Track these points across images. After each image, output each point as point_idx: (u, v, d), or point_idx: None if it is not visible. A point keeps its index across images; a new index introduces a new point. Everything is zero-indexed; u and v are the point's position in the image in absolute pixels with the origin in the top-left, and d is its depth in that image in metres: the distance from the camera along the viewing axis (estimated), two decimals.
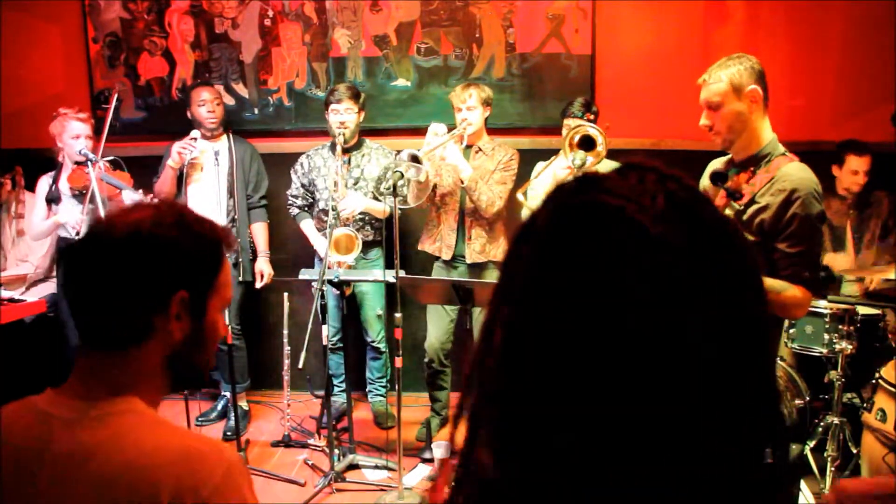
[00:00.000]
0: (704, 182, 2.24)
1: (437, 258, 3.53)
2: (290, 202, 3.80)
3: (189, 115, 3.75)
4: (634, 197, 0.51)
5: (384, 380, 3.89)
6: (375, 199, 3.61)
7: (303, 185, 3.75)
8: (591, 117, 3.35)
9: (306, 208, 3.78)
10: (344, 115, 3.53)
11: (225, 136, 3.79)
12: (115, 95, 3.75)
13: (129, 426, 0.93)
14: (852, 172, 3.43)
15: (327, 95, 3.62)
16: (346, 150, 3.62)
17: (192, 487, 0.87)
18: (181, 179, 3.67)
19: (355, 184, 3.62)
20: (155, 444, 0.91)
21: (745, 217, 2.00)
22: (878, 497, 1.04)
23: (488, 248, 3.42)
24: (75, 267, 0.98)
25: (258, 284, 3.82)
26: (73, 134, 3.41)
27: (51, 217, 3.51)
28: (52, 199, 3.51)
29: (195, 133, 3.60)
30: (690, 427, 0.49)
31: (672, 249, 0.49)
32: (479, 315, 3.27)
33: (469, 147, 3.44)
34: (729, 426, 0.50)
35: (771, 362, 0.54)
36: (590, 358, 0.49)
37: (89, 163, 3.23)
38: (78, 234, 3.46)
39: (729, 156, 2.17)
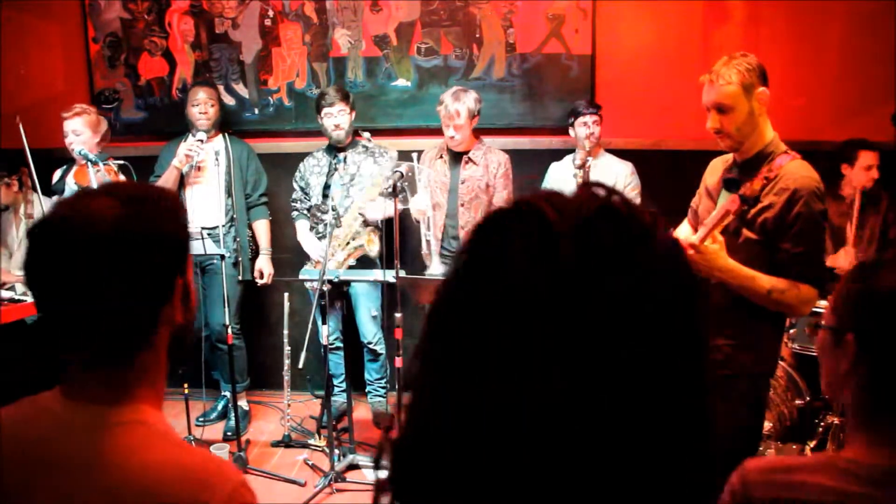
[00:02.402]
0: (708, 180, 2.24)
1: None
2: (293, 207, 3.83)
3: (186, 114, 3.76)
4: (556, 199, 0.53)
5: (383, 380, 3.89)
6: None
7: (301, 189, 3.77)
8: (600, 112, 3.52)
9: (306, 211, 3.80)
10: (338, 118, 3.58)
11: (221, 137, 3.80)
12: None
13: (137, 439, 0.92)
14: (865, 168, 3.42)
15: (318, 100, 3.65)
16: (341, 150, 3.66)
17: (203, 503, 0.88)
18: (181, 179, 3.67)
19: (351, 181, 3.64)
20: (162, 460, 0.90)
21: (749, 216, 2.00)
22: (779, 470, 1.07)
23: None
24: (69, 273, 0.88)
25: (259, 283, 3.82)
26: (67, 132, 3.40)
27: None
28: (58, 191, 3.51)
29: (202, 135, 3.60)
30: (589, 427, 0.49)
31: (578, 250, 0.49)
32: None
33: (459, 157, 3.52)
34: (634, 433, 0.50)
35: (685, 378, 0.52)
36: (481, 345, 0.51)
37: (89, 162, 3.22)
38: None
39: (729, 155, 2.16)
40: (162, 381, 0.99)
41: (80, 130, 3.41)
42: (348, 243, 3.50)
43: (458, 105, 3.38)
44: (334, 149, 3.70)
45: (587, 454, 0.49)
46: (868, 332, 1.04)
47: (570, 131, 3.60)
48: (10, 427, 0.93)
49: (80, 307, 0.89)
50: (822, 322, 1.13)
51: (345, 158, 3.66)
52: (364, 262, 3.59)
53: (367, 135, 3.36)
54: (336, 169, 3.63)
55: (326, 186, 3.68)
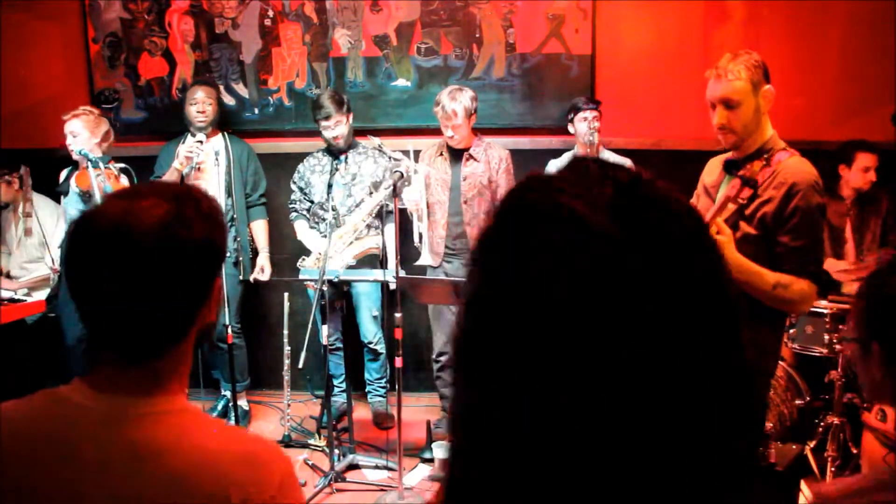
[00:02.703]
0: (707, 179, 2.24)
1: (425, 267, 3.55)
2: (291, 208, 3.82)
3: (185, 113, 3.76)
4: (577, 189, 0.50)
5: (383, 380, 3.89)
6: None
7: (300, 189, 3.77)
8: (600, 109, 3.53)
9: (305, 211, 3.80)
10: (335, 130, 3.58)
11: (221, 136, 3.80)
12: None
13: (190, 426, 0.93)
14: (863, 170, 3.42)
15: (313, 110, 3.64)
16: (341, 151, 3.67)
17: (259, 489, 0.90)
18: (181, 181, 3.67)
19: (352, 180, 3.64)
20: (221, 445, 0.93)
21: (748, 211, 2.00)
22: (858, 493, 1.06)
23: None
24: (114, 273, 0.89)
25: (254, 278, 3.80)
26: (66, 134, 3.38)
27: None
28: (63, 192, 3.51)
29: (201, 136, 3.60)
30: (641, 422, 0.48)
31: (615, 238, 0.48)
32: None
33: (459, 154, 3.52)
34: (687, 421, 0.48)
35: (736, 352, 0.52)
36: (526, 350, 0.48)
37: (89, 163, 3.21)
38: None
39: (727, 153, 2.16)
40: (187, 375, 1.01)
41: (78, 132, 3.38)
42: (351, 243, 3.50)
43: (454, 105, 3.38)
44: (335, 149, 3.69)
45: (658, 454, 0.48)
46: (890, 338, 1.03)
47: (570, 127, 3.60)
48: (25, 419, 0.93)
49: (127, 305, 0.90)
50: (848, 335, 1.14)
51: (346, 158, 3.66)
52: (364, 262, 3.59)
53: (377, 141, 3.34)
54: (337, 169, 3.63)
55: (329, 186, 3.67)
